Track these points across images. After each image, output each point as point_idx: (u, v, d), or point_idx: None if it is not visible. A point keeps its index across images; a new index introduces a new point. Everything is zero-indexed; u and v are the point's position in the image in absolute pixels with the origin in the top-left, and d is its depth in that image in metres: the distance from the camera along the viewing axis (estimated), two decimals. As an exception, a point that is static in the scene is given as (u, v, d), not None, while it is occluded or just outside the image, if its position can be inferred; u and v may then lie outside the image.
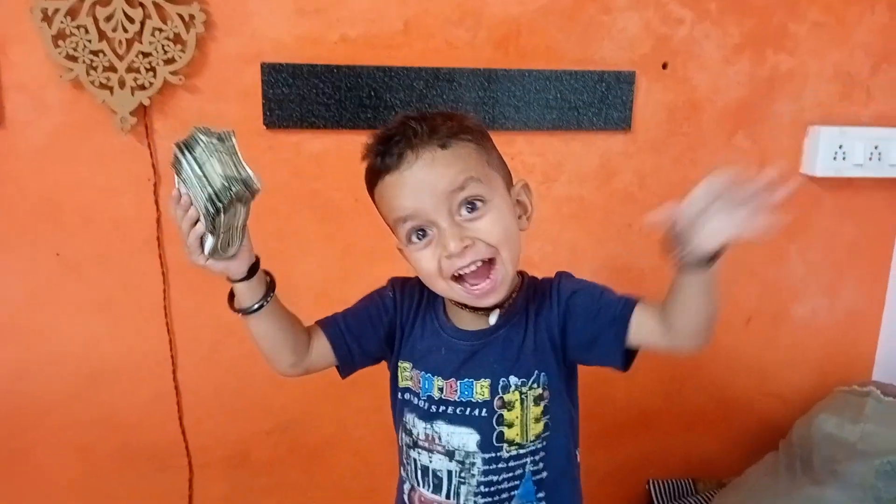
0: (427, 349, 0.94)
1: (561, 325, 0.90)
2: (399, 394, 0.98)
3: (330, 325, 0.99)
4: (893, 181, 1.65)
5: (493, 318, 0.91)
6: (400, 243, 0.89)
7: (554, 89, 1.45)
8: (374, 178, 0.88)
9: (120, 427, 1.47)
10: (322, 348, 0.98)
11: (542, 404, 0.91)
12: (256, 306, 0.92)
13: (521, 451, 0.91)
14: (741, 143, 1.58)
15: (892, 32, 1.57)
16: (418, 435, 0.95)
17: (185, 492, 1.53)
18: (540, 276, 0.97)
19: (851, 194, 1.65)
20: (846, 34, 1.55)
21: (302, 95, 1.36)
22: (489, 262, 0.84)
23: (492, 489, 0.91)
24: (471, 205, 0.83)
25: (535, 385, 0.90)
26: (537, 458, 0.92)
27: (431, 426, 0.93)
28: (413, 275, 0.94)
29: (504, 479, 0.91)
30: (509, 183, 0.90)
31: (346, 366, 1.00)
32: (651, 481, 1.77)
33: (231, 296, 0.93)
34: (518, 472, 0.92)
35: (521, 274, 0.95)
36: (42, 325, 1.39)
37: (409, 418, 0.96)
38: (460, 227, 0.83)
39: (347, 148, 1.41)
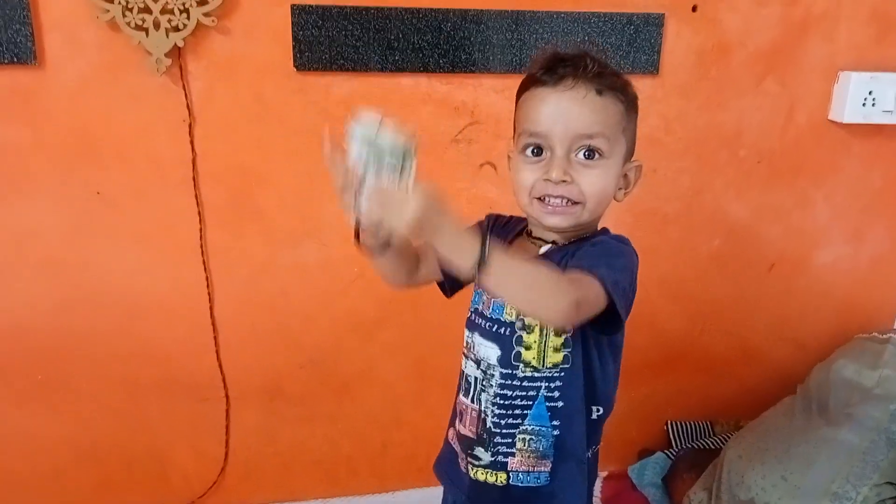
0: None
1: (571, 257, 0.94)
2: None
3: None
4: (924, 128, 1.63)
5: (542, 249, 0.97)
6: (513, 149, 0.96)
7: (582, 31, 1.45)
8: (528, 84, 0.93)
9: (160, 360, 1.54)
10: (431, 267, 1.05)
11: (564, 337, 0.95)
12: (380, 248, 0.97)
13: (536, 375, 0.96)
14: (770, 88, 1.57)
15: (931, -27, 1.53)
16: (466, 342, 1.04)
17: (222, 421, 1.61)
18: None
19: (881, 141, 1.64)
20: (884, -26, 1.52)
21: (331, 37, 1.38)
22: (573, 204, 0.91)
23: (506, 402, 0.97)
24: (590, 153, 0.90)
25: None
26: (552, 385, 0.96)
27: (472, 336, 1.02)
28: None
29: (518, 397, 0.97)
30: (629, 156, 0.96)
31: (451, 284, 1.07)
32: (669, 422, 1.81)
33: (357, 232, 0.96)
34: (531, 393, 0.97)
35: (602, 230, 1.00)
36: (83, 259, 1.45)
37: (466, 329, 1.04)
38: (570, 164, 0.90)
39: (375, 91, 1.44)
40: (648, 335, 1.72)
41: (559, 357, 0.96)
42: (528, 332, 0.96)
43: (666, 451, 1.77)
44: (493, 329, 0.98)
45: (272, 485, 1.68)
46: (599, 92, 0.89)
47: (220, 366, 1.56)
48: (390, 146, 0.81)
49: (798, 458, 1.49)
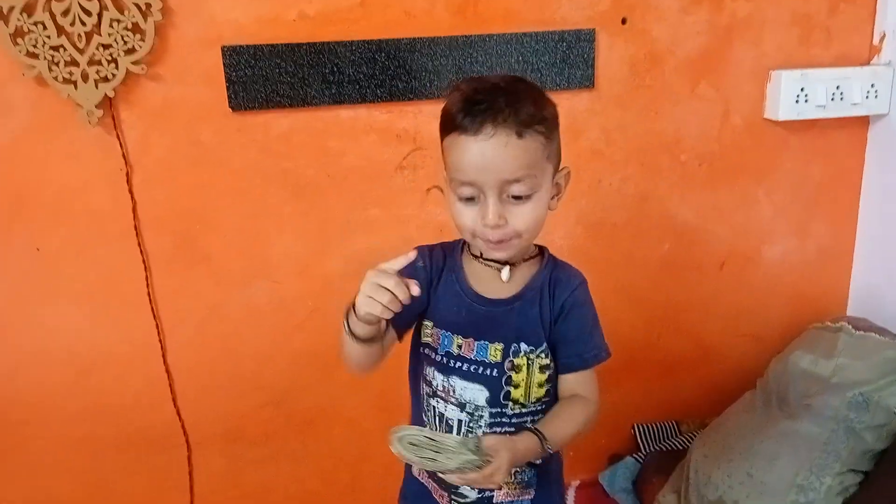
0: (448, 310, 1.02)
1: (555, 318, 1.00)
2: (420, 348, 1.06)
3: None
4: (856, 120, 1.68)
5: (504, 274, 1.00)
6: (447, 187, 0.97)
7: (515, 52, 1.46)
8: (449, 127, 0.93)
9: (116, 414, 1.51)
10: (389, 341, 1.03)
11: (547, 373, 1.00)
12: (368, 338, 0.94)
13: (524, 411, 1.01)
14: (704, 93, 1.60)
15: (848, -28, 1.58)
16: (437, 386, 1.03)
17: (185, 469, 1.58)
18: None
19: (816, 135, 1.68)
20: (801, -24, 1.56)
21: (265, 76, 1.37)
22: (512, 238, 0.95)
23: None
24: (518, 196, 0.92)
25: (542, 354, 0.99)
26: (536, 418, 1.01)
27: (448, 379, 1.02)
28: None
29: (506, 433, 0.99)
30: (557, 168, 0.98)
31: (404, 334, 1.06)
32: (636, 426, 1.83)
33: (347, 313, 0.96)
34: (519, 427, 1.00)
35: (542, 251, 1.05)
36: (27, 320, 1.42)
37: (429, 371, 1.04)
38: (503, 205, 0.92)
39: (315, 125, 1.44)
40: (609, 342, 1.73)
41: (542, 392, 1.01)
42: (516, 372, 0.99)
43: (635, 455, 1.78)
44: (479, 371, 0.99)
45: (243, 528, 1.66)
46: (519, 134, 0.89)
47: (179, 414, 1.54)
48: (453, 446, 0.86)
49: (762, 454, 1.51)
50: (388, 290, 0.86)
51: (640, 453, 1.79)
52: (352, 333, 0.93)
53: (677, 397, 1.84)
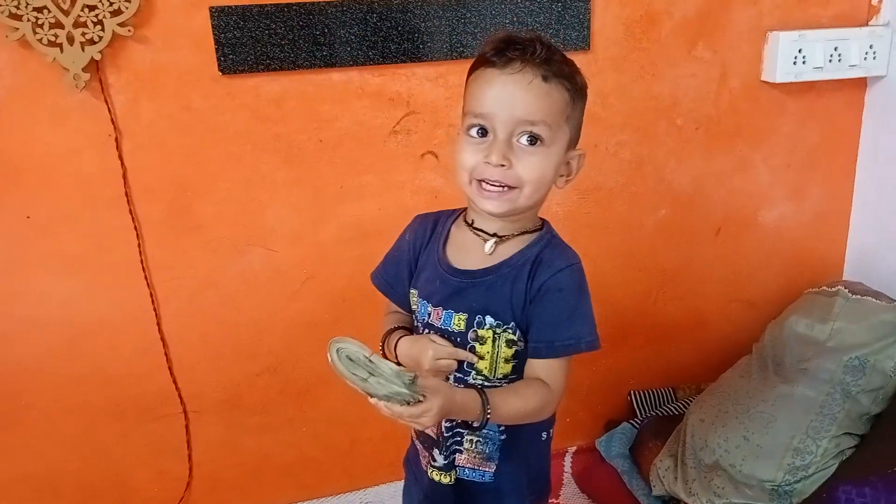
0: (427, 279, 1.01)
1: (531, 299, 0.95)
2: (413, 316, 1.06)
3: (377, 280, 1.09)
4: (854, 81, 1.66)
5: (488, 246, 0.96)
6: (459, 128, 0.95)
7: (510, 13, 1.43)
8: (478, 64, 0.93)
9: (111, 382, 1.50)
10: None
11: (514, 349, 0.96)
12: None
13: (486, 384, 0.97)
14: (702, 55, 1.58)
15: (848, -72, 1.56)
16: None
17: (182, 438, 1.58)
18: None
19: (813, 98, 1.67)
20: (801, -66, 1.54)
21: (255, 38, 1.34)
22: (510, 189, 0.91)
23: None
24: (531, 139, 0.89)
25: (509, 330, 0.95)
26: None
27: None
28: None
29: None
30: (573, 144, 0.96)
31: (404, 305, 1.07)
32: (632, 392, 1.83)
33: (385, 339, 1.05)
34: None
35: (544, 225, 1.00)
36: (19, 287, 1.40)
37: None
38: (511, 148, 0.89)
39: (307, 88, 1.41)
40: (604, 309, 1.70)
41: (508, 368, 0.97)
42: (480, 344, 0.96)
43: (631, 422, 1.78)
44: (445, 339, 0.97)
45: (240, 495, 1.66)
46: (545, 78, 0.88)
47: (175, 382, 1.53)
48: (388, 374, 0.83)
49: (758, 418, 1.52)
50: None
51: (636, 419, 1.79)
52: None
53: (673, 363, 1.84)
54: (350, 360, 0.84)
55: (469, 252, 0.98)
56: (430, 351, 0.95)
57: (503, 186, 0.90)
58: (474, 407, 0.89)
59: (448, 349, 0.95)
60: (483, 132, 0.90)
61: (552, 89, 0.89)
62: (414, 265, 1.04)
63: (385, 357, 0.92)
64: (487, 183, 0.90)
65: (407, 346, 0.99)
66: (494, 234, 0.96)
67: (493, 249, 0.96)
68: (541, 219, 1.01)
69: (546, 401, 0.94)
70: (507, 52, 0.89)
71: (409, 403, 0.82)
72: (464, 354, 0.95)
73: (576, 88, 0.92)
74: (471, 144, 0.91)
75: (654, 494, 1.61)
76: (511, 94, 0.88)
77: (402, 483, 1.19)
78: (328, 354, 0.85)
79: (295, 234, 1.50)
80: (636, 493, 1.63)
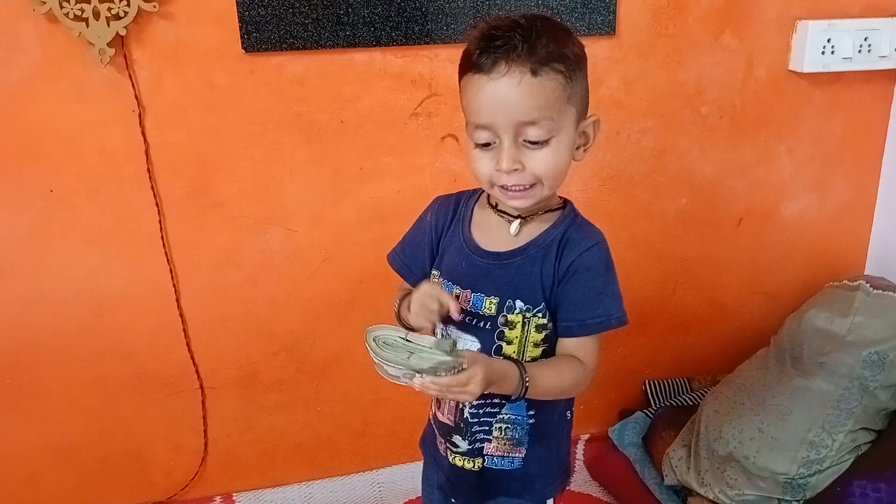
0: (451, 261, 1.01)
1: (559, 279, 0.95)
2: None
3: (394, 262, 1.09)
4: (883, 73, 1.63)
5: (513, 228, 0.97)
6: (467, 136, 0.94)
7: (535, -5, 1.42)
8: (465, 67, 0.91)
9: (129, 355, 1.52)
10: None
11: (544, 333, 0.96)
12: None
13: None
14: (728, 43, 1.56)
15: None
16: (439, 333, 1.02)
17: (199, 412, 1.59)
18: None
19: (841, 89, 1.64)
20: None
21: (279, 16, 1.34)
22: (531, 186, 0.91)
23: (484, 394, 0.95)
24: (535, 141, 0.88)
25: (539, 314, 0.95)
26: None
27: (446, 328, 1.00)
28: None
29: (491, 395, 0.96)
30: (583, 115, 0.93)
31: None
32: (647, 381, 1.83)
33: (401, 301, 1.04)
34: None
35: (566, 204, 1.00)
36: (41, 260, 1.42)
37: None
38: (519, 149, 0.89)
39: (329, 68, 1.41)
40: (623, 298, 1.73)
41: (538, 351, 0.97)
42: (510, 328, 0.96)
43: (645, 411, 1.78)
44: (473, 322, 0.97)
45: (254, 472, 1.68)
46: (534, 72, 0.85)
47: (193, 357, 1.55)
48: (428, 347, 0.85)
49: (773, 410, 1.51)
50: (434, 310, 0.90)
51: (650, 409, 1.79)
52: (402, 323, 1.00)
53: (689, 353, 1.83)
54: (387, 345, 0.85)
55: (494, 233, 0.98)
56: (423, 287, 0.93)
57: (523, 186, 0.90)
58: (513, 376, 0.89)
59: (434, 289, 0.93)
60: (487, 143, 0.90)
61: (543, 81, 0.86)
62: (436, 247, 1.04)
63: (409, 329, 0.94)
64: (507, 189, 0.91)
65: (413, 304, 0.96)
66: (518, 216, 0.96)
67: (519, 231, 0.96)
68: (562, 198, 1.00)
69: (581, 376, 0.95)
70: (489, 52, 0.86)
71: (454, 370, 0.82)
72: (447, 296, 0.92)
73: (570, 65, 0.88)
74: (480, 154, 0.91)
75: (666, 484, 1.61)
76: (504, 99, 0.86)
77: (413, 465, 1.20)
78: (367, 345, 0.86)
79: (314, 214, 1.51)
80: (648, 482, 1.63)
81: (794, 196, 1.72)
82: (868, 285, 1.61)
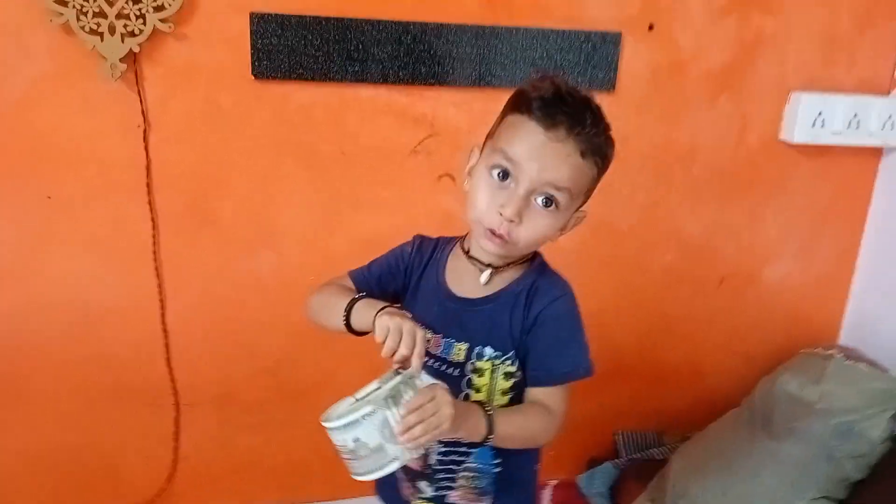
0: (425, 303, 1.01)
1: (527, 329, 0.96)
2: None
3: (358, 275, 1.08)
4: (870, 150, 1.69)
5: (483, 277, 0.97)
6: (478, 164, 0.95)
7: (540, 48, 1.46)
8: (522, 108, 0.90)
9: (111, 365, 1.52)
10: None
11: (512, 381, 0.97)
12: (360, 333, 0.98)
13: None
14: (723, 107, 1.60)
15: (878, -2, 1.58)
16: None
17: (171, 427, 1.59)
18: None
19: (829, 161, 1.69)
20: (832, -1, 1.57)
21: (290, 46, 1.37)
22: (510, 242, 0.91)
23: (451, 441, 0.97)
24: (548, 201, 0.90)
25: (507, 361, 0.96)
26: None
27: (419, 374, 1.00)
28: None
29: (459, 443, 0.98)
30: (581, 206, 0.97)
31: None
32: (619, 433, 1.84)
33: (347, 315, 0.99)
34: None
35: (535, 256, 1.00)
36: (34, 265, 1.42)
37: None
38: (527, 205, 0.89)
39: (335, 101, 1.44)
40: (601, 346, 1.70)
41: (506, 399, 0.98)
42: (478, 376, 0.97)
43: (613, 462, 1.80)
44: (442, 368, 0.98)
45: (224, 490, 1.67)
46: (583, 154, 0.88)
47: (171, 372, 1.55)
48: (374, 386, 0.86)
49: (740, 472, 1.53)
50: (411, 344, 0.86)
51: (619, 459, 1.80)
52: (349, 327, 0.96)
53: (662, 408, 1.86)
54: (345, 415, 0.85)
55: (466, 280, 0.99)
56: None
57: (505, 239, 0.90)
58: (476, 408, 0.89)
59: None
60: (505, 175, 0.90)
61: (585, 165, 0.90)
62: (408, 279, 1.04)
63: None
64: (492, 231, 0.90)
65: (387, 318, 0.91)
66: (489, 265, 0.97)
67: (489, 280, 0.97)
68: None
69: (548, 424, 0.94)
70: (555, 113, 0.87)
71: (406, 385, 0.82)
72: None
73: (605, 165, 0.93)
74: (489, 185, 0.91)
75: (631, 535, 1.62)
76: (547, 157, 0.87)
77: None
78: (331, 434, 0.87)
79: (306, 240, 1.53)
80: (613, 532, 1.64)
81: (777, 261, 1.77)
82: (841, 355, 1.64)
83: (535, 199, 0.89)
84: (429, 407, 0.82)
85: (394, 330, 0.85)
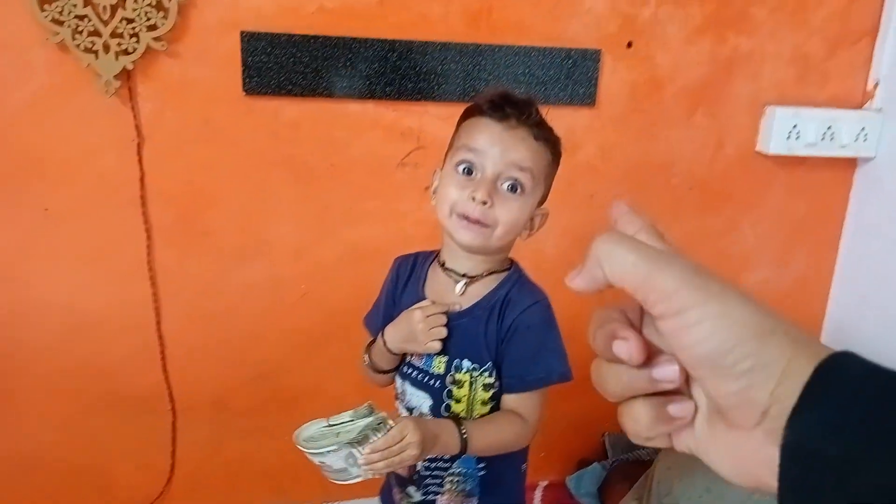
0: None
1: (502, 339, 1.01)
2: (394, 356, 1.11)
3: (367, 319, 1.17)
4: (843, 161, 1.74)
5: (458, 287, 1.01)
6: (443, 169, 1.01)
7: (523, 65, 1.51)
8: (473, 112, 0.99)
9: (105, 374, 1.56)
10: None
11: (491, 392, 1.01)
12: (391, 368, 1.08)
13: None
14: (700, 121, 1.66)
15: (849, 17, 1.64)
16: (397, 389, 1.09)
17: (168, 434, 1.63)
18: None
19: (804, 172, 1.74)
20: (804, 18, 1.62)
21: (280, 63, 1.42)
22: (486, 226, 0.95)
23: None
24: (514, 186, 0.95)
25: (486, 373, 1.00)
26: None
27: (403, 384, 1.07)
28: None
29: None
30: (542, 202, 1.02)
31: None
32: (607, 434, 1.89)
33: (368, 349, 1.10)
34: None
35: (512, 266, 1.05)
36: (29, 275, 1.46)
37: (396, 376, 1.09)
38: (496, 189, 0.95)
39: (323, 115, 1.49)
40: (588, 350, 1.78)
41: (486, 409, 1.02)
42: (458, 387, 1.01)
43: (601, 462, 1.84)
44: (424, 380, 1.02)
45: (219, 495, 1.71)
46: (536, 137, 0.96)
47: (167, 380, 1.59)
48: (347, 418, 0.91)
49: (721, 472, 1.57)
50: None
51: (607, 460, 1.85)
52: (375, 368, 1.06)
53: (648, 410, 1.89)
54: (314, 439, 0.90)
55: (444, 294, 1.03)
56: (416, 314, 0.99)
57: (481, 223, 0.94)
58: (449, 431, 0.94)
59: (433, 306, 0.99)
60: (469, 171, 0.95)
61: (540, 148, 0.97)
62: (393, 307, 1.09)
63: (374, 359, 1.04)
64: (467, 218, 0.94)
65: (392, 330, 1.03)
66: (465, 275, 1.01)
67: (464, 290, 1.01)
68: (510, 259, 1.05)
69: (521, 432, 0.99)
70: (504, 108, 0.96)
71: (378, 427, 0.88)
72: (443, 307, 0.99)
73: (556, 155, 1.01)
74: (456, 181, 0.96)
75: (616, 536, 1.66)
76: (505, 141, 0.95)
77: (372, 500, 1.24)
78: (300, 448, 0.92)
79: (297, 251, 1.57)
80: (599, 532, 1.68)
81: (755, 268, 1.82)
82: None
83: (501, 185, 0.95)
84: (394, 449, 0.89)
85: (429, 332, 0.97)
